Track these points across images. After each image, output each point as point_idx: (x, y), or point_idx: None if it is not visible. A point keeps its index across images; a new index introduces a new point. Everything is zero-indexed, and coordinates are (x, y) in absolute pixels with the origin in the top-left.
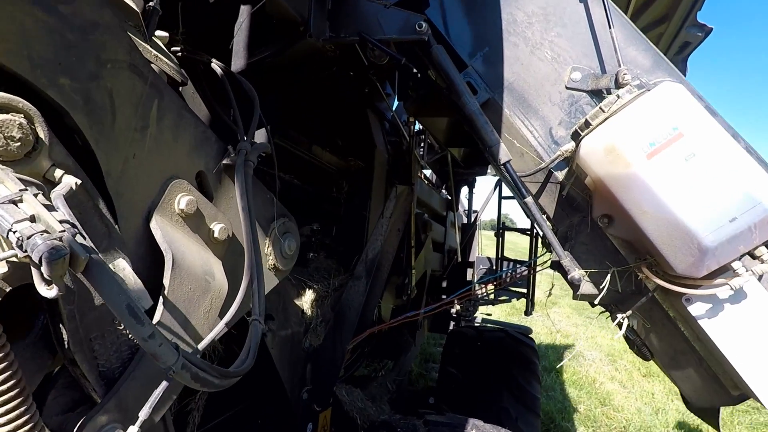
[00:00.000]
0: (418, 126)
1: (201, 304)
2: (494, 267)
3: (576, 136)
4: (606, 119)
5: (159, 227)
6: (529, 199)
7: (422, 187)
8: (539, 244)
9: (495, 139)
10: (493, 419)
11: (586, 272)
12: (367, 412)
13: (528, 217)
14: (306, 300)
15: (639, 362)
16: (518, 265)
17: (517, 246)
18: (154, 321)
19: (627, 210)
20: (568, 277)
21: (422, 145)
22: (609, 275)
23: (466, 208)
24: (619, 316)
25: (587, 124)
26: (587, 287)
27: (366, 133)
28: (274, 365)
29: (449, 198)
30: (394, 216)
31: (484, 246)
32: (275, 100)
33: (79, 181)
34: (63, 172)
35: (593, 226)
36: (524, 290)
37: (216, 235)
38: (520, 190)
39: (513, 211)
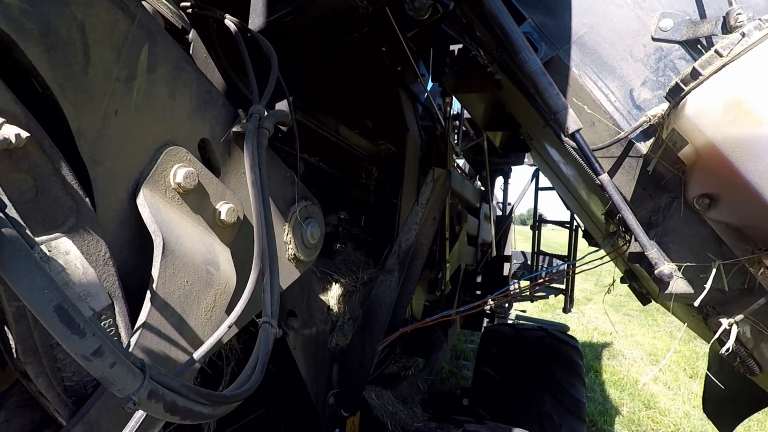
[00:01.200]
0: (453, 110)
1: (202, 300)
2: (529, 262)
3: (675, 94)
4: (725, 65)
5: (148, 204)
6: (605, 177)
7: (455, 176)
8: (579, 238)
9: (562, 104)
10: (535, 425)
11: (679, 266)
12: (398, 417)
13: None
14: (332, 295)
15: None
16: (557, 261)
17: (548, 241)
18: (139, 322)
19: (751, 185)
20: (655, 272)
21: (456, 131)
22: (714, 270)
23: (500, 200)
24: (724, 321)
25: (695, 74)
26: (680, 285)
27: (398, 115)
28: (297, 367)
29: (483, 189)
30: (431, 203)
31: (515, 240)
32: (298, 70)
33: (25, 134)
34: (1, 120)
35: (687, 209)
36: (562, 286)
37: (223, 217)
38: (592, 165)
39: (547, 205)
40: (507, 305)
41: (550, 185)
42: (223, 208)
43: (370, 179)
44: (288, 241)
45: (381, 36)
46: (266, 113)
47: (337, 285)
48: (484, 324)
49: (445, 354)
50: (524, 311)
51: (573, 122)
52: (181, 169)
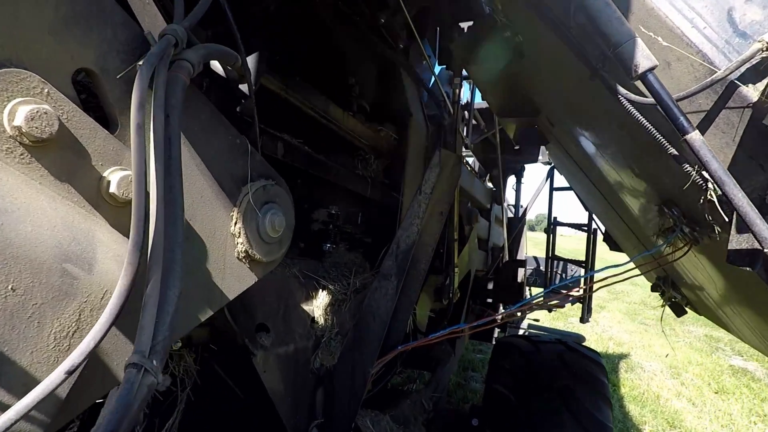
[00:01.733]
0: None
1: (48, 320)
2: (542, 267)
3: None
4: None
5: None
6: (695, 137)
7: (465, 173)
8: (598, 241)
9: (626, 31)
10: None
11: None
12: None
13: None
14: (318, 305)
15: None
16: (572, 267)
17: (558, 247)
18: None
19: None
20: None
21: (465, 122)
22: None
23: (511, 202)
24: None
25: None
26: None
27: (399, 98)
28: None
29: (494, 189)
30: (436, 193)
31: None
32: (279, 34)
33: None
34: None
35: None
36: (579, 294)
37: (113, 189)
38: (676, 119)
39: (561, 207)
40: (520, 315)
41: (566, 185)
42: (114, 177)
43: (367, 170)
44: (236, 233)
45: (378, 4)
46: (193, 44)
47: (325, 293)
48: (495, 334)
49: (452, 368)
50: (537, 320)
51: (644, 57)
52: (23, 106)
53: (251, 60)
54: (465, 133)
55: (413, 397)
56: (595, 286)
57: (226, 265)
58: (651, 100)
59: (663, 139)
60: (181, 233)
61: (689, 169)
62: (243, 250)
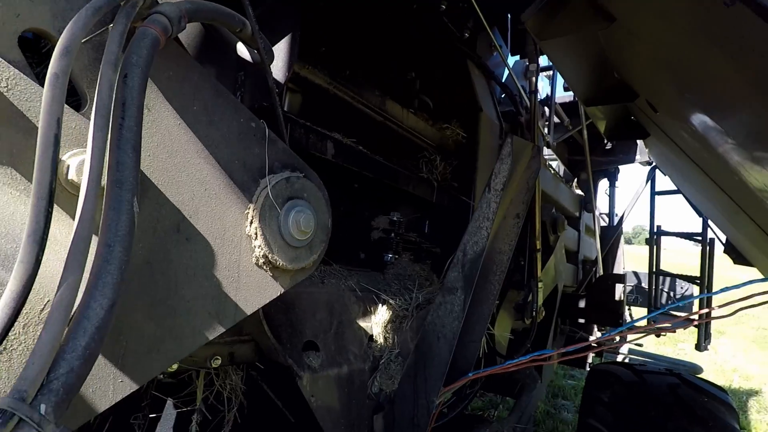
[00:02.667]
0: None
1: None
2: (644, 284)
3: None
4: None
5: None
6: None
7: (546, 176)
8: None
9: None
10: None
11: None
12: None
13: None
14: (376, 321)
15: None
16: (681, 283)
17: (661, 262)
18: None
19: None
20: None
21: (546, 119)
22: None
23: (603, 210)
24: None
25: None
26: None
27: (467, 92)
28: (317, 423)
29: (583, 195)
30: (510, 191)
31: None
32: (331, 25)
33: None
34: None
35: None
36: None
37: (72, 176)
38: None
39: (663, 215)
40: (618, 338)
41: (672, 188)
42: (74, 162)
43: (432, 172)
44: (252, 234)
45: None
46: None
47: (384, 308)
48: (590, 360)
49: (539, 395)
50: (640, 345)
51: None
52: None
53: (283, 45)
54: (546, 131)
55: (494, 427)
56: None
57: (240, 273)
58: None
59: None
60: (128, 224)
61: None
62: (262, 255)
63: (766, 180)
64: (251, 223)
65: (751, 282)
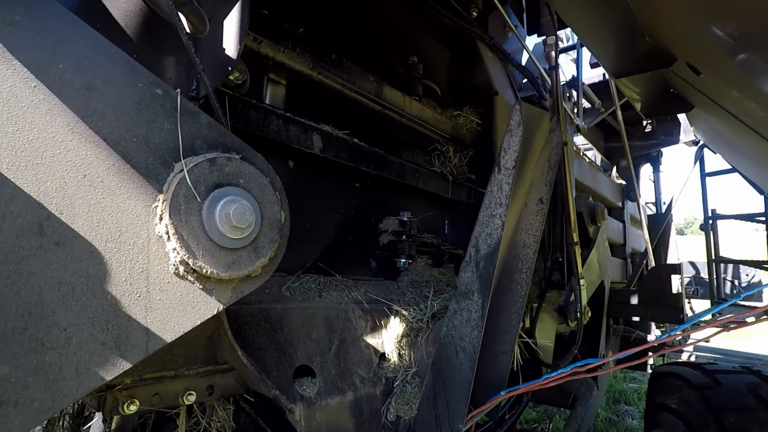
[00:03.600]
0: (564, 75)
1: None
2: (703, 274)
3: None
4: None
5: None
6: None
7: (582, 166)
8: None
9: None
10: None
11: None
12: None
13: None
14: (388, 337)
15: None
16: (746, 269)
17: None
18: None
19: None
20: None
21: (575, 102)
22: None
23: (647, 200)
24: None
25: None
26: None
27: (480, 75)
28: None
29: (624, 183)
30: (528, 171)
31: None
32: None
33: None
34: None
35: None
36: (764, 303)
37: None
38: None
39: (719, 196)
40: (680, 337)
41: (725, 167)
42: None
43: (446, 165)
44: (165, 234)
45: None
46: None
47: (398, 320)
48: (650, 361)
49: (596, 404)
50: (707, 340)
51: None
52: None
53: (234, 13)
54: (575, 115)
55: None
56: None
57: (151, 287)
58: None
59: None
60: None
61: None
62: (180, 261)
63: None
64: (161, 219)
65: None
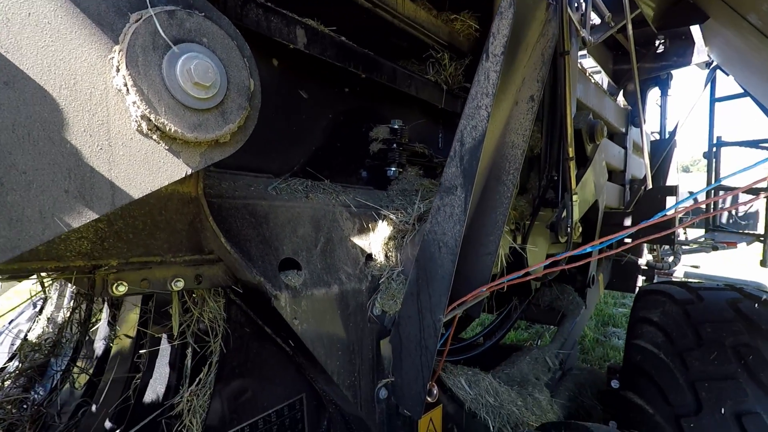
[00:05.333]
0: None
1: None
2: (702, 205)
3: None
4: None
5: None
6: None
7: (587, 87)
8: None
9: None
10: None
11: None
12: (506, 411)
13: None
14: (375, 239)
15: None
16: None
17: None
18: None
19: None
20: None
21: (582, 11)
22: None
23: (653, 128)
24: None
25: None
26: None
27: None
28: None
29: (630, 108)
30: (519, 66)
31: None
32: None
33: None
34: None
35: None
36: (758, 231)
37: None
38: None
39: (726, 124)
40: (673, 258)
41: (737, 91)
42: None
43: (440, 74)
44: (123, 87)
45: None
46: None
47: (385, 224)
48: (639, 284)
49: (582, 322)
50: (697, 267)
51: None
52: None
53: None
54: (582, 28)
55: (534, 354)
56: None
57: (113, 140)
58: None
59: None
60: None
61: None
62: (141, 115)
63: None
64: (118, 70)
65: None
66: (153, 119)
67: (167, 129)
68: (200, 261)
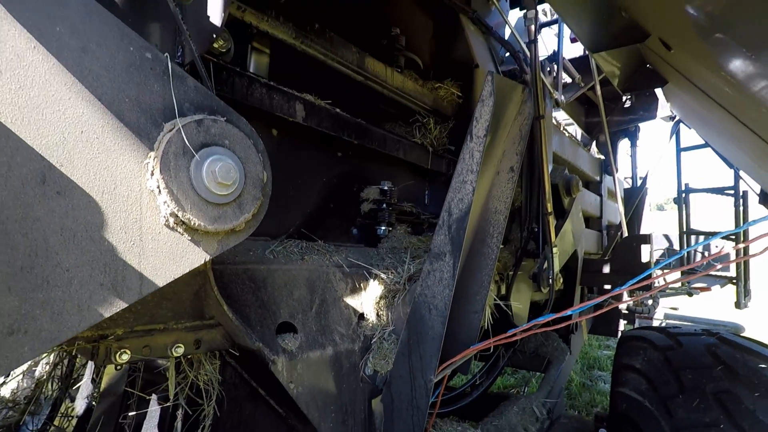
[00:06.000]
0: (544, 51)
1: None
2: (676, 246)
3: None
4: None
5: None
6: None
7: (562, 140)
8: (751, 206)
9: None
10: None
11: None
12: None
13: None
14: (366, 298)
15: None
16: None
17: (694, 223)
18: None
19: None
20: None
21: (554, 75)
22: None
23: (627, 173)
24: None
25: None
26: None
27: (461, 48)
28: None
29: (602, 158)
30: (499, 141)
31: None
32: None
33: None
34: None
35: None
36: (731, 273)
37: None
38: None
39: (693, 170)
40: (651, 302)
41: (699, 141)
42: None
43: (426, 137)
44: (156, 188)
45: None
46: None
47: (376, 283)
48: (621, 328)
49: (568, 367)
50: (675, 309)
51: None
52: None
53: None
54: (555, 89)
55: (521, 403)
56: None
57: (144, 236)
58: None
59: None
60: None
61: None
62: (170, 213)
63: None
64: (152, 174)
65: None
66: (180, 215)
67: (191, 223)
68: (200, 326)
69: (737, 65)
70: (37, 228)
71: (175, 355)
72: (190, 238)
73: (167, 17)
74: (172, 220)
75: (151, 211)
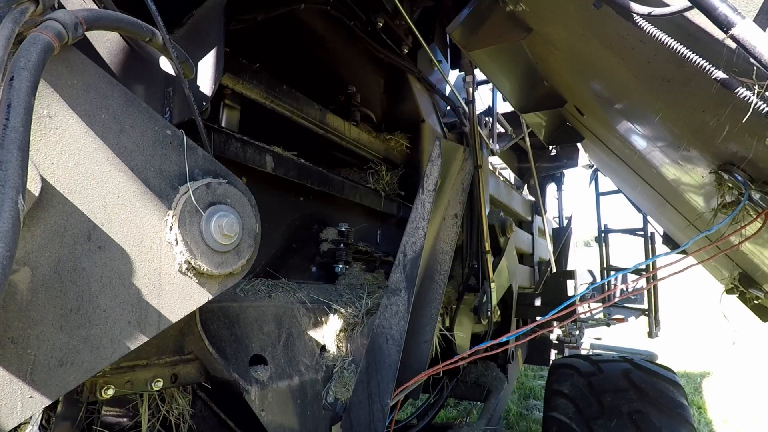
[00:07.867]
0: (481, 105)
1: None
2: (599, 280)
3: None
4: None
5: None
6: (744, 27)
7: (498, 184)
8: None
9: None
10: None
11: None
12: None
13: None
14: (327, 331)
15: None
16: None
17: (616, 260)
18: None
19: None
20: None
21: (489, 127)
22: None
23: (555, 213)
24: None
25: None
26: None
27: (409, 104)
28: None
29: (533, 200)
30: (446, 193)
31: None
32: (265, 41)
33: None
34: None
35: None
36: (644, 306)
37: None
38: (713, 11)
39: (612, 214)
40: (578, 333)
41: (614, 188)
42: None
43: (379, 182)
44: (173, 240)
45: (374, 6)
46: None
47: (336, 317)
48: (552, 357)
49: (506, 396)
50: (599, 339)
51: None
52: None
53: (209, 58)
54: (490, 140)
55: (464, 431)
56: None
57: (162, 280)
58: (674, 7)
59: (700, 60)
60: (11, 221)
61: (745, 94)
62: (184, 260)
63: (677, 173)
64: (171, 229)
65: (667, 253)
66: (192, 262)
67: (201, 268)
68: (178, 361)
69: (630, 132)
70: (83, 277)
71: (154, 389)
72: (197, 281)
73: (158, 83)
74: (185, 266)
75: (169, 259)
